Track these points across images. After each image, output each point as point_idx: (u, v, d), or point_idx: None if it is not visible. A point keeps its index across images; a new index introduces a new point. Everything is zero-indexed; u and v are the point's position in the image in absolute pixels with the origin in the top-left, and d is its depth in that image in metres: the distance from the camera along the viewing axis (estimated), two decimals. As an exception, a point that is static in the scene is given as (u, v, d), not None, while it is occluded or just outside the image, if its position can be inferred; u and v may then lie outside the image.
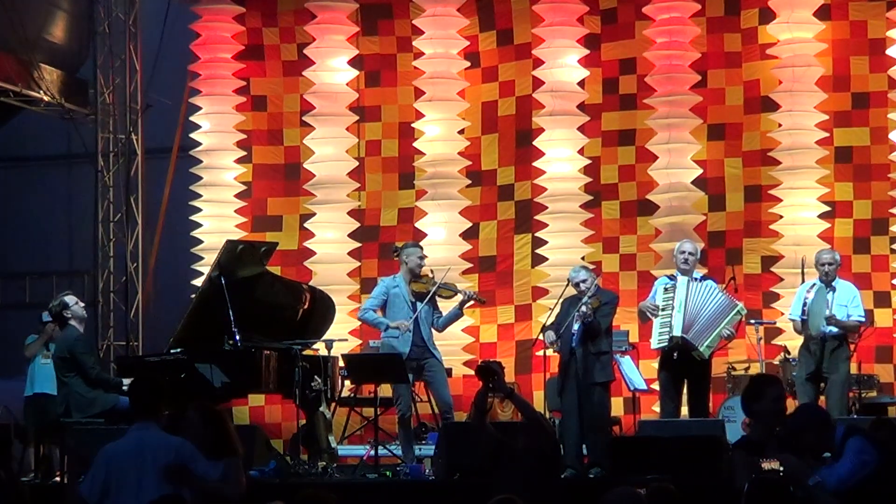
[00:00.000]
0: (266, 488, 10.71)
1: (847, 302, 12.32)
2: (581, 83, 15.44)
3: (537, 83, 15.48)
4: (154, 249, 16.85)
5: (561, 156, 15.40)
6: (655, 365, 12.71)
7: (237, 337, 12.22)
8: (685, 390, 12.13)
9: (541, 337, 12.25)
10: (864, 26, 14.95)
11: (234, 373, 12.16)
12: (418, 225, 15.67)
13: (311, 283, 14.46)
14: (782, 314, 13.99)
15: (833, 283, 12.35)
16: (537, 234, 15.38)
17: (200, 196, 16.09)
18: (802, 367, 12.29)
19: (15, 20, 15.53)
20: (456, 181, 15.67)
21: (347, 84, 15.99)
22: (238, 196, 16.10)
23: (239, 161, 16.14)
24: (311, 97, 15.93)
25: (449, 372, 13.04)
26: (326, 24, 15.91)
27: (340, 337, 13.89)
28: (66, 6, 16.78)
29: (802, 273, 12.98)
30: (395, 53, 16.07)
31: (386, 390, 12.82)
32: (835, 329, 12.11)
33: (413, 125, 15.87)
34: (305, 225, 15.94)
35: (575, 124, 15.35)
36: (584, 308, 11.52)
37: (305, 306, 13.19)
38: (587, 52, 15.41)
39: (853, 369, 12.54)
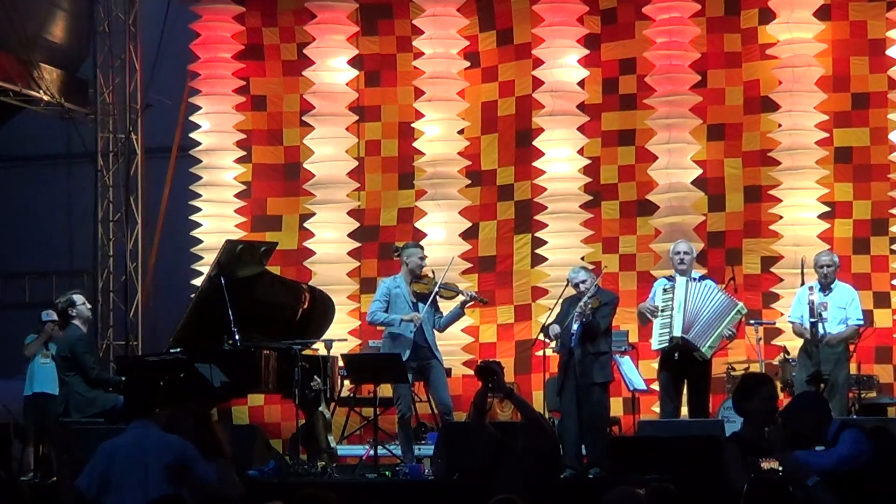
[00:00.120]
0: (265, 488, 10.71)
1: (846, 304, 12.33)
2: (581, 83, 15.44)
3: (537, 83, 15.48)
4: (154, 249, 16.85)
5: (561, 156, 15.39)
6: (655, 365, 12.71)
7: (237, 337, 12.23)
8: (685, 390, 12.13)
9: (541, 337, 12.25)
10: (864, 26, 14.94)
11: (234, 372, 12.17)
12: (418, 225, 15.66)
13: (310, 283, 14.47)
14: (782, 314, 13.99)
15: (832, 286, 12.36)
16: (537, 235, 15.38)
17: (200, 196, 16.09)
18: (802, 368, 12.29)
19: (15, 20, 15.55)
20: (456, 181, 15.67)
21: (347, 84, 15.99)
22: (238, 196, 16.10)
23: (239, 161, 16.13)
24: (311, 97, 15.92)
25: (448, 372, 13.03)
26: (326, 23, 15.91)
27: (340, 337, 13.91)
28: (66, 6, 16.79)
29: (802, 273, 12.97)
30: (394, 53, 16.07)
31: (385, 390, 12.82)
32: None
33: (413, 125, 15.87)
34: (305, 225, 15.93)
35: (575, 124, 15.35)
36: (581, 307, 11.51)
37: (305, 306, 13.20)
38: (587, 52, 15.41)
39: (853, 370, 12.55)
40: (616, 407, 13.70)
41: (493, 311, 15.33)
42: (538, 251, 15.34)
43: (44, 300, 17.44)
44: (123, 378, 11.94)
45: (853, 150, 14.90)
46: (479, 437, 9.16)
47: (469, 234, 15.55)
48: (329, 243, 15.87)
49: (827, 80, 14.91)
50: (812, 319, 12.12)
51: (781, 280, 14.55)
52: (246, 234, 15.82)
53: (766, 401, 7.99)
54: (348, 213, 15.88)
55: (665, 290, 12.20)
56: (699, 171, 15.07)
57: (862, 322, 12.44)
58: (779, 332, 14.08)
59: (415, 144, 15.85)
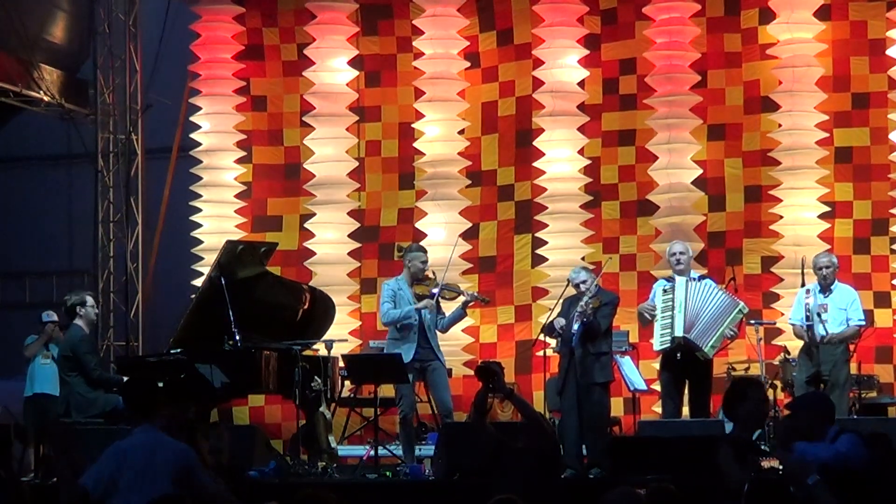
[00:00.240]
0: (266, 488, 10.72)
1: (846, 305, 12.33)
2: (581, 83, 15.44)
3: (537, 83, 15.48)
4: (154, 249, 16.85)
5: (561, 156, 15.39)
6: (655, 365, 12.73)
7: (237, 337, 12.23)
8: (686, 390, 12.13)
9: (541, 337, 12.25)
10: (864, 26, 14.94)
11: (234, 373, 12.16)
12: (418, 225, 15.66)
13: (311, 284, 14.47)
14: (782, 315, 13.99)
15: (832, 287, 12.36)
16: (537, 235, 15.38)
17: (200, 196, 16.09)
18: (803, 369, 12.29)
19: (15, 20, 15.54)
20: (456, 181, 15.67)
21: (347, 84, 15.99)
22: (238, 196, 16.10)
23: (239, 161, 16.14)
24: (311, 97, 15.93)
25: (449, 372, 13.02)
26: (326, 24, 15.91)
27: (340, 337, 13.91)
28: (66, 6, 16.78)
29: (802, 274, 12.97)
30: (395, 54, 16.07)
31: (386, 391, 12.82)
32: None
33: (413, 125, 15.87)
34: (305, 225, 15.93)
35: (575, 124, 15.35)
36: (582, 307, 11.50)
37: (305, 307, 13.20)
38: (587, 52, 15.41)
39: (853, 370, 12.55)
40: (616, 407, 13.71)
41: (494, 312, 15.33)
42: (538, 251, 15.34)
43: (44, 300, 17.48)
44: (125, 378, 11.95)
45: (853, 150, 14.90)
46: (480, 438, 9.16)
47: (469, 235, 15.54)
48: (329, 244, 15.87)
49: (827, 80, 14.91)
50: (808, 323, 12.15)
51: (782, 280, 14.55)
52: (246, 234, 15.82)
53: (758, 403, 8.03)
54: (348, 214, 15.88)
55: (665, 290, 12.20)
56: (699, 171, 15.07)
57: (863, 322, 12.45)
58: (779, 332, 14.07)
59: (415, 145, 15.85)
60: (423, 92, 15.74)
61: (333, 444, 12.65)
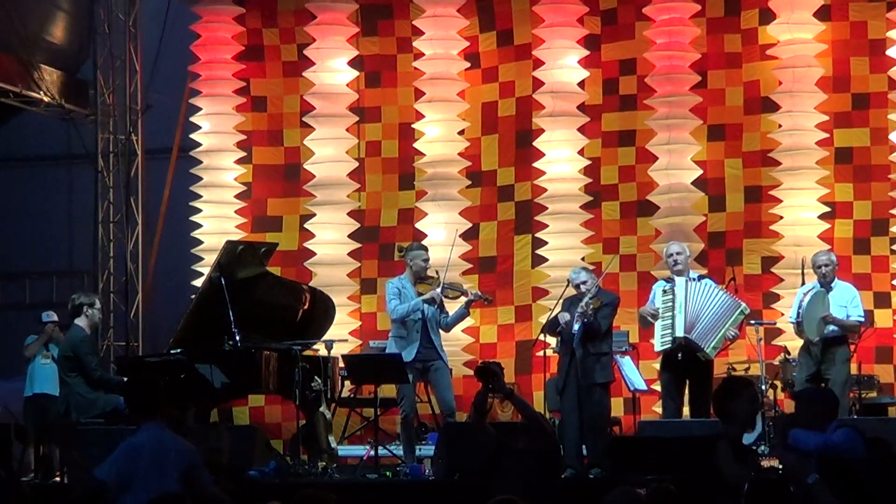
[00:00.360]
0: (266, 488, 10.72)
1: (846, 303, 12.33)
2: (581, 84, 15.44)
3: (537, 84, 15.48)
4: (154, 249, 16.85)
5: (561, 157, 15.40)
6: (656, 365, 12.73)
7: (237, 337, 12.23)
8: (686, 390, 12.13)
9: (541, 337, 12.24)
10: (864, 27, 14.95)
11: (234, 373, 12.16)
12: (418, 226, 15.67)
13: (311, 284, 14.47)
14: (782, 315, 14.00)
15: (832, 285, 12.37)
16: (537, 235, 15.38)
17: (200, 196, 16.10)
18: (803, 368, 12.30)
19: (15, 20, 15.54)
20: (456, 182, 15.67)
21: (347, 85, 15.99)
22: (238, 197, 16.10)
23: (239, 162, 16.14)
24: (311, 98, 15.93)
25: (450, 372, 13.03)
26: (326, 24, 15.91)
27: (340, 337, 13.91)
28: (66, 6, 16.78)
29: (802, 274, 12.98)
30: (395, 54, 16.07)
31: (386, 391, 12.82)
32: (834, 328, 12.12)
33: (413, 126, 15.87)
34: (305, 226, 15.93)
35: (575, 125, 15.36)
36: (583, 307, 11.50)
37: (305, 307, 13.20)
38: (587, 52, 15.41)
39: (853, 370, 12.55)
40: (617, 407, 13.71)
41: (494, 312, 15.33)
42: (538, 252, 15.34)
43: (44, 300, 17.50)
44: (125, 379, 11.95)
45: (853, 151, 14.91)
46: (480, 438, 9.17)
47: (469, 235, 15.54)
48: (329, 244, 15.87)
49: (827, 81, 14.91)
50: (798, 320, 12.21)
51: (782, 280, 14.55)
52: (246, 234, 15.82)
53: (751, 401, 8.05)
54: (348, 214, 15.88)
55: (665, 291, 12.20)
56: (699, 172, 15.07)
57: (863, 319, 12.46)
58: (779, 332, 14.08)
59: (415, 145, 15.85)
60: (423, 92, 15.74)
61: (333, 444, 12.64)
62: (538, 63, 15.48)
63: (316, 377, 12.46)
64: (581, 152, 15.38)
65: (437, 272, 12.54)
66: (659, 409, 13.24)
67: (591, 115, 15.38)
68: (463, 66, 15.76)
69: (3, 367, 16.27)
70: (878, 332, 14.03)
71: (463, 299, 12.52)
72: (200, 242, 15.95)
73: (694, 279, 12.26)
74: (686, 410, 12.27)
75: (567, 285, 12.05)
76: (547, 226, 15.30)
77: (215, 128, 16.16)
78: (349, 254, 15.85)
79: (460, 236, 15.29)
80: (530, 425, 9.11)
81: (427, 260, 12.54)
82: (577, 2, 15.39)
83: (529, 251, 15.46)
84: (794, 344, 13.11)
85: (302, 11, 16.02)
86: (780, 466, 7.70)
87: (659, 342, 12.15)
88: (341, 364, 13.04)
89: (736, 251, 14.94)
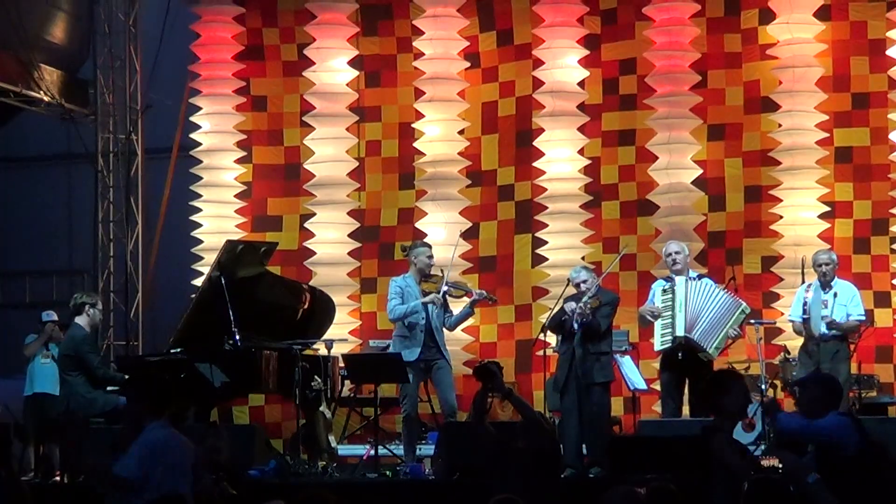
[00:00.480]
0: (266, 488, 10.72)
1: (847, 302, 12.34)
2: (581, 83, 15.44)
3: (537, 83, 15.48)
4: (154, 249, 16.85)
5: (561, 156, 15.40)
6: (656, 365, 12.73)
7: (237, 337, 12.23)
8: (686, 390, 12.13)
9: (541, 336, 12.23)
10: (864, 27, 14.94)
11: (234, 373, 12.17)
12: (418, 225, 15.67)
13: (311, 283, 14.47)
14: (782, 314, 14.00)
15: (832, 283, 12.37)
16: (537, 235, 15.38)
17: (200, 196, 16.09)
18: (802, 367, 12.31)
19: (15, 20, 15.53)
20: (456, 181, 15.67)
21: (347, 84, 15.99)
22: (238, 196, 16.10)
23: (239, 161, 16.14)
24: (311, 97, 15.93)
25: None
26: (326, 24, 15.91)
27: (340, 337, 13.92)
28: (66, 6, 16.77)
29: (802, 273, 12.99)
30: (395, 54, 16.07)
31: (386, 390, 12.83)
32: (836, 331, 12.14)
33: (413, 125, 15.87)
34: (305, 225, 15.94)
35: (575, 124, 15.36)
36: (582, 306, 11.48)
37: (305, 306, 13.20)
38: (587, 52, 15.41)
39: (853, 369, 12.56)
40: (617, 406, 13.71)
41: (494, 311, 15.32)
42: (538, 251, 15.34)
43: (44, 300, 17.50)
44: (127, 376, 11.97)
45: (853, 150, 14.91)
46: (480, 438, 9.17)
47: (469, 235, 15.54)
48: (329, 243, 15.87)
49: (827, 81, 14.91)
50: (804, 316, 12.23)
51: (782, 280, 14.55)
52: (246, 234, 15.82)
53: (742, 395, 8.07)
54: (349, 214, 15.88)
55: (664, 290, 12.21)
56: (699, 171, 15.07)
57: (864, 318, 12.48)
58: (779, 331, 14.09)
59: (415, 145, 15.85)
60: (423, 92, 15.75)
61: (333, 444, 12.65)
62: (538, 63, 15.48)
63: (316, 377, 12.47)
64: (581, 152, 15.38)
65: (441, 270, 12.53)
66: (659, 409, 13.24)
67: (591, 115, 15.37)
68: (463, 66, 15.76)
69: (3, 366, 16.27)
70: (878, 332, 14.03)
71: (467, 299, 12.52)
72: (200, 242, 15.95)
73: (693, 278, 12.27)
74: (686, 410, 12.27)
75: (567, 284, 12.05)
76: (547, 225, 15.30)
77: (215, 127, 16.16)
78: (349, 253, 15.85)
79: (460, 236, 15.31)
80: (530, 425, 9.12)
81: (431, 257, 12.55)
82: (576, 1, 15.39)
83: (529, 251, 15.46)
84: (793, 343, 13.12)
85: (302, 11, 16.02)
86: (780, 466, 7.69)
87: (659, 341, 12.15)
88: (341, 363, 13.04)
89: (736, 251, 14.94)
